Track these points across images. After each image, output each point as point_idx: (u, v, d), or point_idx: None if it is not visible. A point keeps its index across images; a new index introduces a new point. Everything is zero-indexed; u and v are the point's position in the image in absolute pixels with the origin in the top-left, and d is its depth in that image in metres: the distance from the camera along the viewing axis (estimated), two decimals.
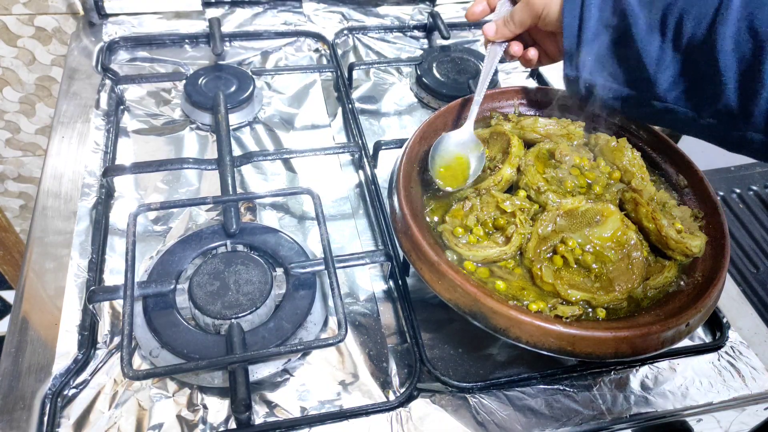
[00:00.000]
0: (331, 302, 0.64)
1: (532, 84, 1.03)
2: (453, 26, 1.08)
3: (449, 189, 0.65)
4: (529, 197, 0.66)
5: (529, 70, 1.04)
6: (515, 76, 1.04)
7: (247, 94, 0.86)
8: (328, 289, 0.62)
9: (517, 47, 0.70)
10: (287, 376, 0.59)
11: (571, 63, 0.64)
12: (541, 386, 0.61)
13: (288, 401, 0.57)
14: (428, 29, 1.08)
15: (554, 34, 0.68)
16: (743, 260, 1.07)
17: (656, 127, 0.74)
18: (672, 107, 0.60)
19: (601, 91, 0.64)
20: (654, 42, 0.59)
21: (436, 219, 0.65)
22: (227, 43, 0.99)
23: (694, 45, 0.56)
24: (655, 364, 0.65)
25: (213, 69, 0.90)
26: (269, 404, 0.57)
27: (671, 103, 0.60)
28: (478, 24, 1.12)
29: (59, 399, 0.55)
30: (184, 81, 0.87)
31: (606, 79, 0.64)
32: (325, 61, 0.99)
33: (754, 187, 1.18)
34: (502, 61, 0.72)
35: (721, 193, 1.17)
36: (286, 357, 0.59)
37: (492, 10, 0.72)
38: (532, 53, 0.71)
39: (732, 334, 0.68)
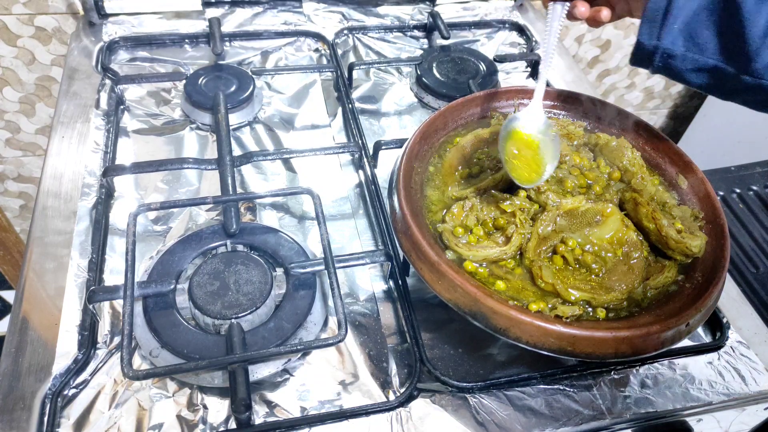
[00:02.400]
0: (331, 302, 0.64)
1: (532, 84, 1.02)
2: (453, 26, 1.08)
3: (525, 186, 0.62)
4: (529, 197, 0.66)
5: (529, 69, 1.04)
6: (515, 76, 1.04)
7: (247, 94, 0.86)
8: (328, 289, 0.62)
9: (583, 8, 0.62)
10: (287, 376, 0.59)
11: (651, 29, 0.55)
12: (541, 386, 0.61)
13: (288, 401, 0.57)
14: (428, 29, 1.08)
15: None
16: (743, 260, 1.07)
17: (656, 127, 0.74)
18: (766, 84, 0.53)
19: (680, 62, 0.57)
20: (763, 14, 0.52)
21: (436, 219, 0.65)
22: (227, 43, 0.99)
23: None
24: (655, 364, 0.65)
25: (213, 69, 0.90)
26: (269, 404, 0.57)
27: (767, 80, 0.53)
28: (477, 24, 1.12)
29: (59, 399, 0.55)
30: (184, 81, 0.87)
31: (690, 50, 0.56)
32: (325, 61, 0.99)
33: (754, 187, 1.18)
34: (572, 19, 0.63)
35: (721, 193, 1.17)
36: (286, 357, 0.59)
37: None
38: (605, 14, 0.62)
39: (732, 334, 0.68)
